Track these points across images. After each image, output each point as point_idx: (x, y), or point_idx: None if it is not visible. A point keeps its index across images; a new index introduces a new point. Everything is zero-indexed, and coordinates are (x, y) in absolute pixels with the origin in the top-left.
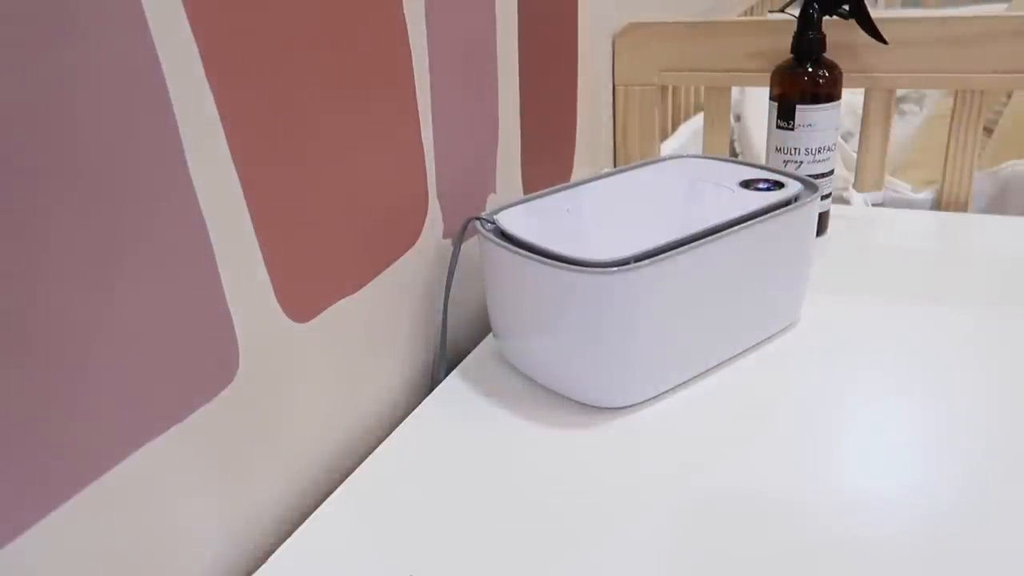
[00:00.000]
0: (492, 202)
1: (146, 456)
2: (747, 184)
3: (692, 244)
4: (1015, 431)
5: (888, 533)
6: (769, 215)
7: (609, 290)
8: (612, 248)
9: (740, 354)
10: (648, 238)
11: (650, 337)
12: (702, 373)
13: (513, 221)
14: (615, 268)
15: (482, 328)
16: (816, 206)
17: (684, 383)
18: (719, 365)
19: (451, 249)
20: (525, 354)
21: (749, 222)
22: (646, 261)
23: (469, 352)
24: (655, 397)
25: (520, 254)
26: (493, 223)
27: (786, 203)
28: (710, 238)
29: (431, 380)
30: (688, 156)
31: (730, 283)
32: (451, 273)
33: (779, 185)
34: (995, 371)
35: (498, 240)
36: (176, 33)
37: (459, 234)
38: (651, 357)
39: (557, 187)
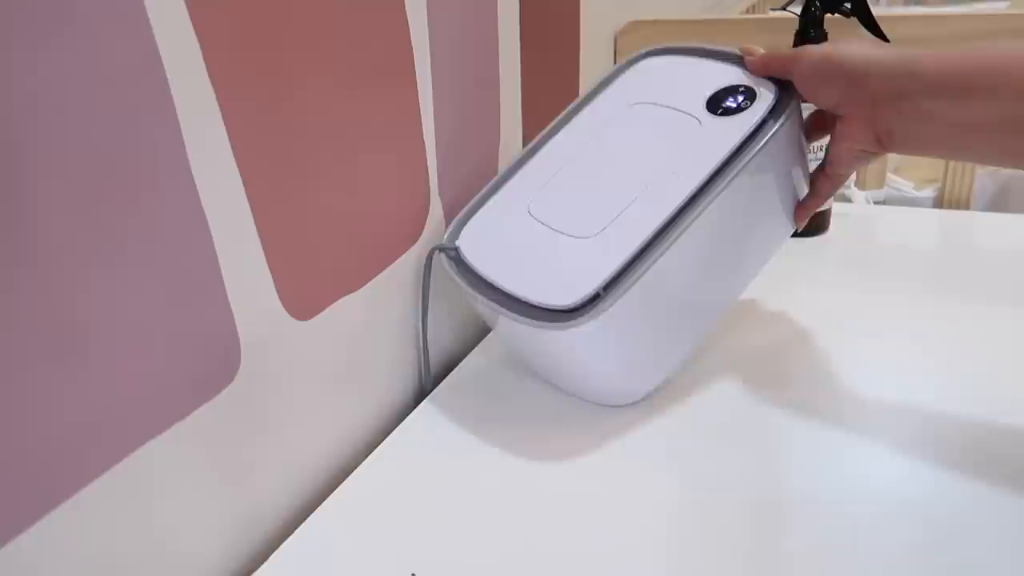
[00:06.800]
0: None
1: (146, 454)
2: (715, 104)
3: (664, 239)
4: (1018, 428)
5: (890, 532)
6: (746, 157)
7: (578, 337)
8: (576, 277)
9: (741, 350)
10: (614, 244)
11: (635, 351)
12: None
13: (475, 244)
14: (579, 312)
15: (484, 327)
16: (798, 113)
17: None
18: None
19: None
20: (521, 360)
21: (725, 177)
22: (611, 297)
23: (471, 350)
24: (658, 386)
25: (487, 301)
26: (456, 250)
27: (763, 123)
28: (685, 221)
29: (430, 379)
30: (649, 55)
31: (720, 242)
32: (425, 306)
33: (751, 95)
34: (997, 369)
35: (463, 280)
36: (178, 31)
37: (427, 266)
38: (641, 362)
39: (516, 162)
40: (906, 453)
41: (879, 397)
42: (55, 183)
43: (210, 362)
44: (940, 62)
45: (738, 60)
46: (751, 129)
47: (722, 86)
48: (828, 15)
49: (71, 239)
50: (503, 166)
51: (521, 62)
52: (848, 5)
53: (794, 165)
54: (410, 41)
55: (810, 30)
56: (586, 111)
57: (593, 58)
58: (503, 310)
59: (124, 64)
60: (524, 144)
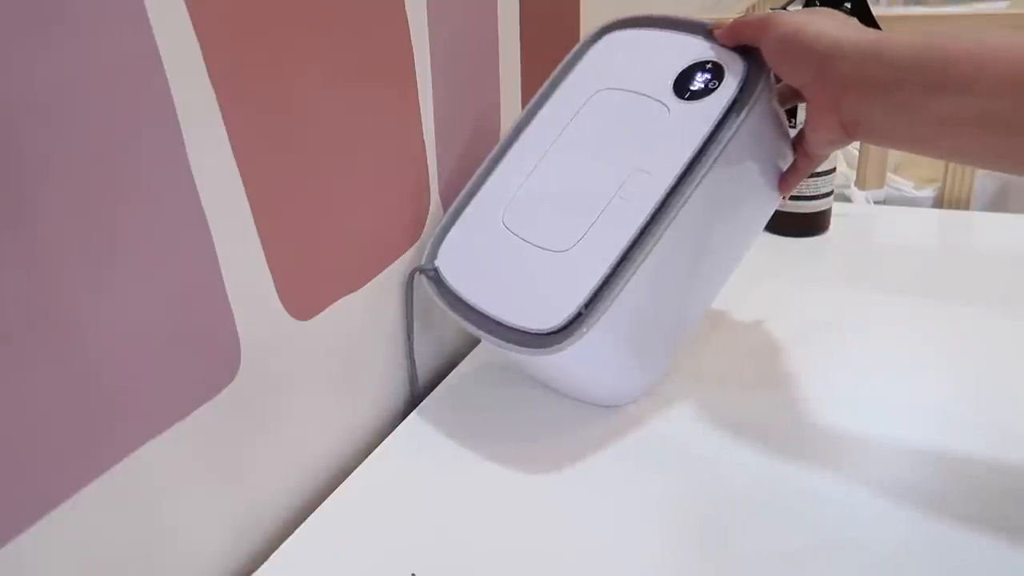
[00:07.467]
0: None
1: (147, 454)
2: (683, 86)
3: (648, 242)
4: (1017, 428)
5: (885, 532)
6: (721, 142)
7: (569, 354)
8: (554, 299)
9: (739, 349)
10: (597, 254)
11: (629, 357)
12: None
13: (453, 263)
14: (568, 336)
15: None
16: (770, 87)
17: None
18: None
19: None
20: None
21: (702, 168)
22: (594, 315)
23: (470, 351)
24: (655, 384)
25: (469, 324)
26: (435, 270)
27: (733, 105)
28: (666, 219)
29: (419, 393)
30: (605, 31)
31: (701, 237)
32: (410, 324)
33: (719, 73)
34: (997, 369)
35: (444, 302)
36: (178, 29)
37: (408, 285)
38: (636, 363)
39: (488, 165)
40: (904, 453)
41: (878, 397)
42: (55, 183)
43: (210, 362)
44: (907, 49)
45: (705, 31)
46: (720, 115)
47: (689, 63)
48: None
49: (70, 239)
50: None
51: (521, 62)
52: (848, 5)
53: (771, 140)
54: (410, 41)
55: None
56: (553, 100)
57: None
58: (486, 335)
59: (124, 64)
60: None
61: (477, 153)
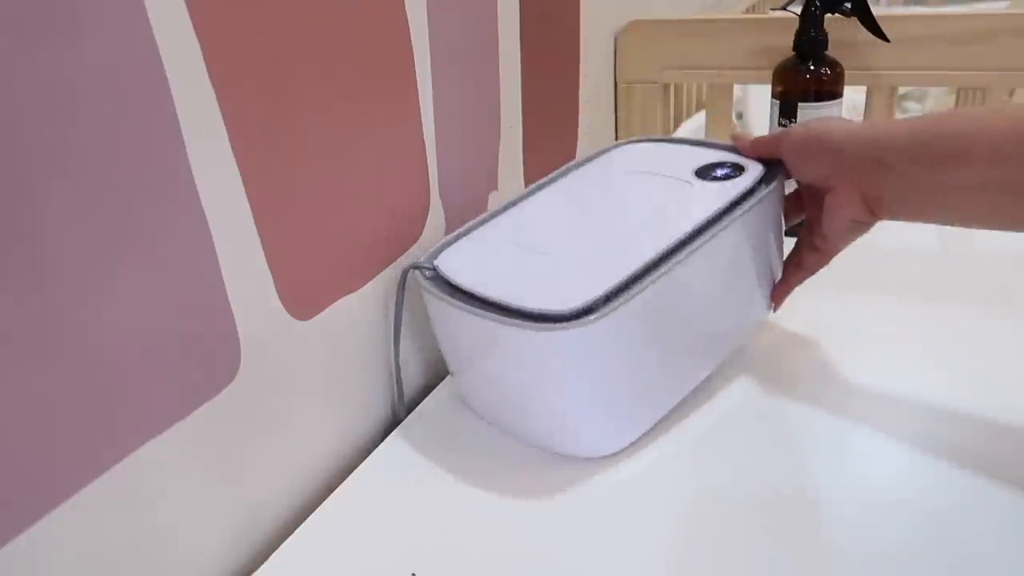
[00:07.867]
0: (493, 201)
1: (147, 454)
2: (704, 172)
3: (656, 272)
4: (1017, 428)
5: (890, 531)
6: (735, 213)
7: (568, 344)
8: (566, 292)
9: (738, 350)
10: (605, 271)
11: (619, 382)
12: (683, 400)
13: (455, 265)
14: (572, 320)
15: None
16: (782, 188)
17: (666, 415)
18: (704, 384)
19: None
20: (485, 405)
21: (714, 228)
22: (605, 309)
23: None
24: (635, 441)
25: (466, 309)
26: (433, 269)
27: (750, 192)
28: (675, 259)
29: (403, 407)
30: (637, 141)
31: (702, 297)
32: (397, 328)
33: (739, 168)
34: (997, 370)
35: (440, 292)
36: (178, 30)
37: (400, 284)
38: (622, 401)
39: (501, 208)
40: (906, 453)
41: (878, 398)
42: (55, 183)
43: (210, 362)
44: (907, 130)
45: (725, 146)
46: (740, 192)
47: (711, 161)
48: (828, 15)
49: (71, 239)
50: (503, 166)
51: (521, 62)
52: (848, 5)
53: (774, 237)
54: (410, 41)
55: (810, 30)
56: (572, 176)
57: (593, 59)
58: (491, 315)
59: (124, 64)
60: (523, 145)
61: (477, 153)
